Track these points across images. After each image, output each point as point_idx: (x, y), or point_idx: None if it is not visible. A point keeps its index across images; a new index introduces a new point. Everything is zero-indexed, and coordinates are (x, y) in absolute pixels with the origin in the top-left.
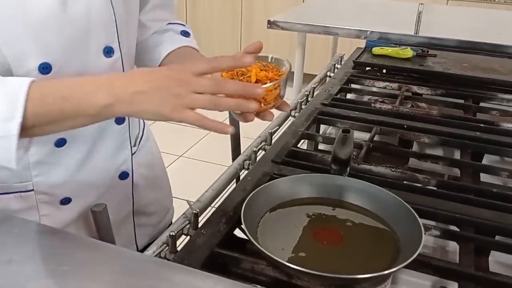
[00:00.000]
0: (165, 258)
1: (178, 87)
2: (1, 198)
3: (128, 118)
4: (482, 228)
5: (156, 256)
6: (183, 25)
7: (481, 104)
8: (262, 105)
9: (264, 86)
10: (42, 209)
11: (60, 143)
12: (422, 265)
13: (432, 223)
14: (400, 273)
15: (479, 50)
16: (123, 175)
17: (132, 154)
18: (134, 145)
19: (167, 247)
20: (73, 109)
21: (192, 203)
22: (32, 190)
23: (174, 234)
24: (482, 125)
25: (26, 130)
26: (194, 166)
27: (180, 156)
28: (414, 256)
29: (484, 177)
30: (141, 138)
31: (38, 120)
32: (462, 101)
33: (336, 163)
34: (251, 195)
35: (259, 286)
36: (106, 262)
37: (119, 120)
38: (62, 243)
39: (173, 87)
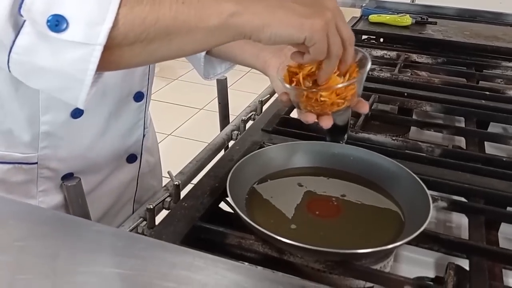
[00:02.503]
0: (142, 234)
1: (324, 11)
2: (0, 167)
3: (147, 96)
4: (492, 199)
5: (131, 231)
6: None
7: (485, 72)
8: (327, 106)
9: (341, 85)
10: (41, 184)
11: (77, 113)
12: (430, 239)
13: (438, 194)
14: (401, 250)
15: (480, 19)
16: (132, 158)
17: (143, 136)
18: (145, 127)
19: (145, 222)
20: (190, 16)
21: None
22: (36, 163)
23: (152, 207)
24: (487, 93)
25: (112, 49)
26: (183, 144)
27: (169, 135)
28: (422, 228)
29: (488, 150)
30: (149, 120)
31: (134, 33)
32: (464, 69)
33: (332, 129)
34: (237, 164)
35: (246, 263)
36: (70, 236)
37: (138, 97)
38: (23, 215)
39: (318, 3)
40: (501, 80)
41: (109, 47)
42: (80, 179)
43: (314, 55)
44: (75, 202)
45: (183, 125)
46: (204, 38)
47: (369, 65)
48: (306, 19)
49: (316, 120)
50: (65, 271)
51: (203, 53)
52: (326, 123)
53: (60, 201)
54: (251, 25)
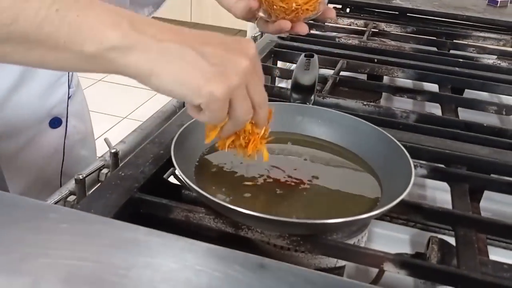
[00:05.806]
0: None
1: (233, 72)
2: None
3: None
4: (475, 165)
5: None
6: None
7: (456, 41)
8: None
9: None
10: None
11: None
12: (411, 209)
13: (417, 161)
14: (373, 226)
15: None
16: (55, 122)
17: (68, 97)
18: (70, 87)
19: (74, 197)
20: (60, 33)
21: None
22: None
23: (82, 177)
24: (461, 60)
25: None
26: None
27: (124, 118)
28: (405, 193)
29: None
30: (78, 82)
31: None
32: (434, 39)
33: (297, 90)
34: (185, 125)
35: (194, 241)
36: None
37: None
38: None
39: (229, 62)
40: (473, 49)
41: None
42: None
43: (210, 120)
44: None
45: (140, 108)
46: (73, 61)
47: None
48: (205, 83)
49: (289, 30)
50: None
51: None
52: (303, 29)
53: None
54: (135, 69)
